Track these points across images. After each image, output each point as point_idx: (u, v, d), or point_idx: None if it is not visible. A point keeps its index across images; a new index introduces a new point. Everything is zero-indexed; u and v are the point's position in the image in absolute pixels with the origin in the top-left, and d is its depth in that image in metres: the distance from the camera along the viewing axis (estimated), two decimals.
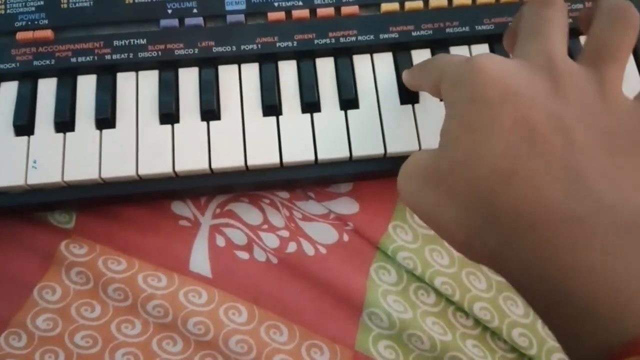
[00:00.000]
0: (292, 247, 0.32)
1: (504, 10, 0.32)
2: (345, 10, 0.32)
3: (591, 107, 0.20)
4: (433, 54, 0.32)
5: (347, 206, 0.33)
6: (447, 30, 0.32)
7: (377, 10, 0.32)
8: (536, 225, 0.18)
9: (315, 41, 0.32)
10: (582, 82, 0.20)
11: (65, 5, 0.32)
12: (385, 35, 0.32)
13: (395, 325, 0.31)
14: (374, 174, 0.32)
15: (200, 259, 0.32)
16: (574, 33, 0.32)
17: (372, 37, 0.32)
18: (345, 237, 0.33)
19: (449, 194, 0.20)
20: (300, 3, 0.32)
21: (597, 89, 0.20)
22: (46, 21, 0.32)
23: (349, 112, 0.31)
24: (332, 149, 0.30)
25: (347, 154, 0.30)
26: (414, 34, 0.32)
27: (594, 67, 0.21)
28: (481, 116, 0.19)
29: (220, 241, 0.33)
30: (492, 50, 0.32)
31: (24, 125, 0.30)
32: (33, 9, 0.32)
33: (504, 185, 0.18)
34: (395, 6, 0.32)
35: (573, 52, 0.32)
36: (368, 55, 0.32)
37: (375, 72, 0.32)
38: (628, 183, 0.18)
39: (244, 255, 0.32)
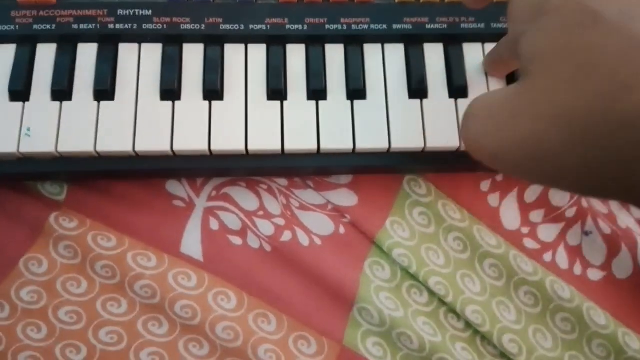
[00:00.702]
0: (287, 236, 0.32)
1: None
2: None
3: None
4: (446, 49, 0.31)
5: (345, 198, 0.33)
6: (462, 25, 0.31)
7: None
8: None
9: (327, 26, 0.31)
10: None
11: None
12: (399, 26, 0.31)
13: (385, 322, 0.31)
14: (375, 169, 0.31)
15: (192, 242, 0.31)
16: None
17: (384, 26, 0.31)
18: (342, 230, 0.32)
19: (554, 117, 0.18)
20: None
21: None
22: None
23: (356, 102, 0.30)
24: (336, 139, 0.30)
25: (351, 146, 0.29)
26: (428, 26, 0.31)
27: None
28: (580, 38, 0.18)
29: (214, 225, 0.32)
30: None
31: (19, 90, 0.29)
32: None
33: (626, 92, 0.17)
34: None
35: None
36: (379, 45, 0.31)
37: (385, 63, 0.31)
38: None
39: (237, 240, 0.32)
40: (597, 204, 0.35)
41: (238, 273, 0.31)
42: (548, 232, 0.34)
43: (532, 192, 0.34)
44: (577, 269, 0.33)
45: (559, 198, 0.34)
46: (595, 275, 0.34)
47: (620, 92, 0.17)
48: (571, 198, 0.34)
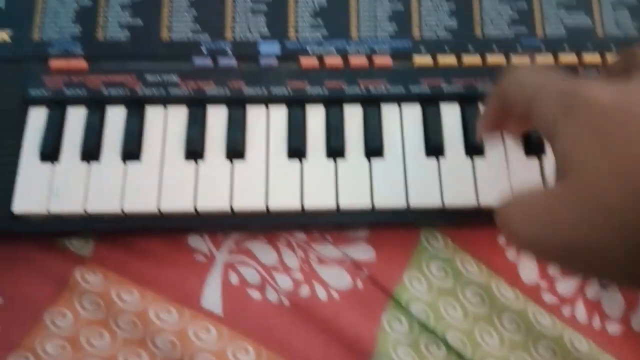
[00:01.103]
0: (305, 291, 0.32)
1: None
2: (378, 60, 0.32)
3: None
4: (462, 109, 0.32)
5: (363, 252, 0.33)
6: (479, 87, 0.32)
7: (409, 63, 0.33)
8: None
9: (346, 89, 0.32)
10: None
11: (101, 37, 0.33)
12: (416, 88, 0.32)
13: None
14: (393, 224, 0.32)
15: (212, 296, 0.32)
16: None
17: (402, 88, 0.32)
18: (360, 284, 0.33)
19: (595, 219, 0.19)
20: (334, 50, 0.32)
21: None
22: (81, 51, 0.32)
23: (374, 160, 0.31)
24: (355, 198, 0.30)
25: (369, 204, 0.30)
26: (444, 88, 0.32)
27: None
28: (613, 137, 0.19)
29: (234, 279, 0.32)
30: None
31: (50, 152, 0.30)
32: (69, 37, 0.32)
33: None
34: (428, 60, 0.32)
35: None
36: (396, 105, 0.32)
37: (402, 122, 0.32)
38: None
39: (256, 295, 0.32)
40: None
41: (257, 327, 0.32)
42: (566, 286, 0.34)
43: None
44: (596, 323, 0.33)
45: None
46: (614, 329, 0.33)
47: None
48: None
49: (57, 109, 0.31)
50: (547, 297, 0.34)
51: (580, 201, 0.19)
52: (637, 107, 0.19)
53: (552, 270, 0.34)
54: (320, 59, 0.32)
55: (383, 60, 0.32)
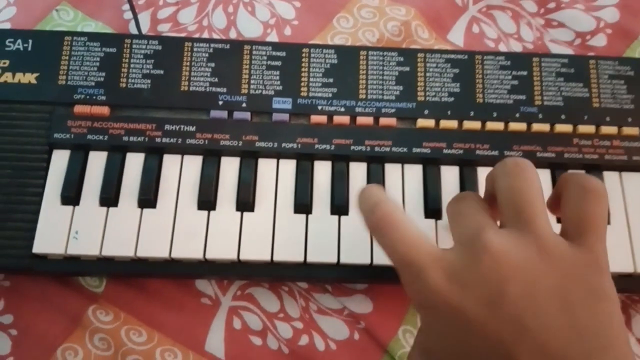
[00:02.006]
0: (304, 340, 0.33)
1: (533, 138, 0.34)
2: (384, 121, 0.34)
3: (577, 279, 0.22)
4: (461, 172, 0.34)
5: (361, 304, 0.34)
6: (477, 152, 0.34)
7: (413, 125, 0.34)
8: None
9: (352, 147, 0.33)
10: (569, 258, 0.23)
11: (124, 85, 0.34)
12: (418, 150, 0.34)
13: None
14: (390, 280, 0.33)
15: (216, 340, 0.33)
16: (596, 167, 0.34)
17: (405, 149, 0.33)
18: (356, 336, 0.34)
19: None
20: (342, 109, 0.34)
21: (587, 264, 0.23)
22: (104, 97, 0.34)
23: None
24: (355, 254, 0.32)
25: (369, 260, 0.32)
26: (445, 151, 0.34)
27: (578, 242, 0.23)
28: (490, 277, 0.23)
29: (237, 324, 0.34)
30: None
31: (71, 195, 0.32)
32: (93, 84, 0.34)
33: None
34: (430, 123, 0.34)
35: None
36: (399, 165, 0.34)
37: (404, 182, 0.33)
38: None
39: (257, 341, 0.34)
40: None
41: None
42: None
43: None
44: None
45: None
46: None
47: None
48: None
49: (79, 152, 0.33)
50: None
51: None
52: (514, 258, 0.22)
53: None
54: (330, 116, 0.34)
55: (388, 121, 0.34)
